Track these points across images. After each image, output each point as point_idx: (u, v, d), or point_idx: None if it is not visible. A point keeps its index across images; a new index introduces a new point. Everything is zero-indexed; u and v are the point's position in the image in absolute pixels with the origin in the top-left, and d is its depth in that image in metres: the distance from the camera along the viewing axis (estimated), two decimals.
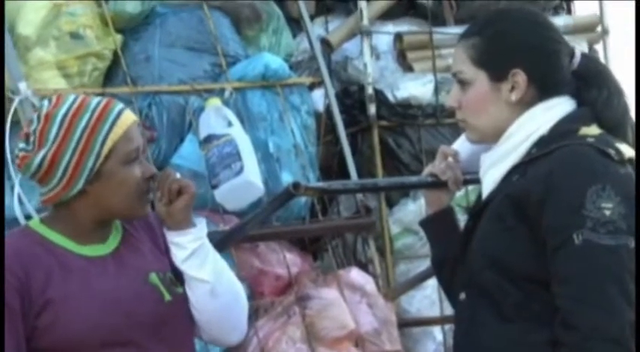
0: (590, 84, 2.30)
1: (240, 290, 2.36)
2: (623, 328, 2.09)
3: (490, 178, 2.30)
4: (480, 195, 2.37)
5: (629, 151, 2.21)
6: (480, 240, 2.26)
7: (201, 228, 2.30)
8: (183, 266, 2.28)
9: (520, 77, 2.26)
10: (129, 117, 2.26)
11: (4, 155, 3.54)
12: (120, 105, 2.27)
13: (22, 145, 2.26)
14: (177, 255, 2.28)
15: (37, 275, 2.19)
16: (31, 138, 2.23)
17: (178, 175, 2.28)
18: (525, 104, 2.28)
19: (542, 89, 2.28)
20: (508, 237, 2.21)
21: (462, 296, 2.29)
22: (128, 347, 2.21)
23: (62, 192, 2.23)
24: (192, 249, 2.27)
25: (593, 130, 2.24)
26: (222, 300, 2.30)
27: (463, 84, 2.31)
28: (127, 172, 2.24)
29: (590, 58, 2.38)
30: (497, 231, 2.23)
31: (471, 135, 2.35)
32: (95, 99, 2.27)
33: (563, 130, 2.24)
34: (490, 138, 2.31)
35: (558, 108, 2.27)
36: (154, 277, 2.28)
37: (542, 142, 2.24)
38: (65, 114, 2.22)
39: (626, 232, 2.12)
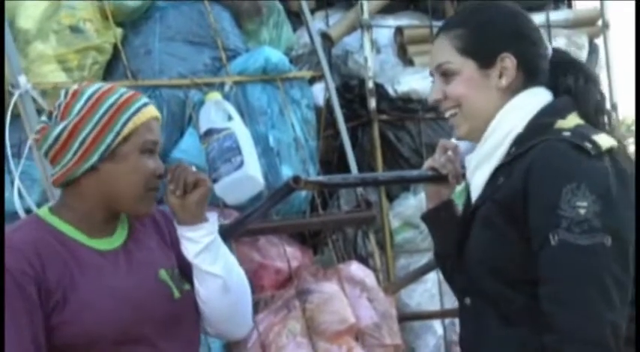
0: (566, 72, 2.30)
1: (247, 285, 2.35)
2: (601, 329, 2.06)
3: (477, 181, 2.29)
4: (468, 198, 2.36)
5: (607, 141, 2.18)
6: (474, 249, 2.25)
7: (213, 222, 2.29)
8: (196, 261, 2.27)
9: (509, 61, 2.26)
10: (153, 110, 2.28)
11: (4, 151, 3.54)
12: (146, 100, 2.28)
13: (43, 118, 2.26)
14: (190, 250, 2.27)
15: (53, 266, 2.17)
16: (55, 113, 2.25)
17: (194, 168, 2.27)
18: (512, 91, 2.27)
19: (528, 75, 2.28)
20: (500, 242, 2.19)
21: (467, 301, 2.28)
22: (139, 344, 2.20)
23: (74, 166, 2.22)
24: (205, 244, 2.26)
25: (569, 122, 2.22)
26: (232, 295, 2.30)
27: (447, 75, 2.30)
28: (141, 161, 2.24)
29: (561, 51, 2.39)
30: (489, 238, 2.21)
31: (460, 129, 2.32)
32: (124, 88, 2.29)
33: (539, 125, 2.23)
34: (479, 131, 2.30)
35: (538, 99, 2.27)
36: (163, 273, 2.27)
37: (520, 140, 2.23)
38: (94, 92, 2.25)
39: (601, 230, 2.09)
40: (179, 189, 2.24)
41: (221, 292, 2.28)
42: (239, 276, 2.33)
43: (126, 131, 2.22)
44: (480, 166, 2.28)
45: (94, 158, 2.22)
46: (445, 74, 2.30)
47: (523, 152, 2.19)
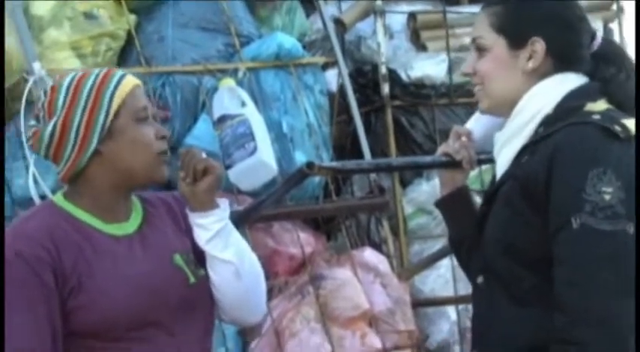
0: (610, 64, 2.29)
1: (260, 271, 2.36)
2: (614, 314, 2.06)
3: (503, 158, 2.30)
4: (494, 177, 2.36)
5: (635, 127, 2.18)
6: (492, 226, 2.25)
7: (224, 208, 2.28)
8: (207, 247, 2.27)
9: (539, 45, 2.26)
10: (132, 79, 2.27)
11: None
12: (122, 71, 2.28)
13: (32, 123, 2.27)
14: (201, 236, 2.27)
15: (68, 252, 2.17)
16: (41, 114, 2.25)
17: (204, 155, 2.26)
18: (540, 75, 2.27)
19: (559, 62, 2.27)
20: (519, 221, 2.19)
21: (480, 280, 2.29)
22: (155, 329, 2.20)
23: (77, 157, 2.22)
24: (215, 230, 2.26)
25: (599, 106, 2.22)
26: (245, 282, 2.30)
27: (480, 50, 2.30)
28: (139, 129, 2.24)
29: (610, 42, 2.37)
30: (508, 216, 2.22)
31: (482, 104, 2.33)
32: (97, 69, 2.29)
33: (568, 107, 2.23)
34: (501, 108, 2.30)
35: (568, 83, 2.27)
36: (178, 258, 2.27)
37: (548, 121, 2.23)
38: (70, 82, 2.24)
39: (625, 217, 2.09)
40: (189, 176, 2.24)
41: (233, 278, 2.28)
42: (251, 263, 2.33)
43: (114, 106, 2.22)
44: (507, 145, 2.28)
45: (94, 142, 2.22)
46: (478, 49, 2.31)
47: (550, 133, 2.19)
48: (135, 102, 2.25)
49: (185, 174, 2.25)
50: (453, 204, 2.46)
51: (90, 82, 2.23)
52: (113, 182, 2.25)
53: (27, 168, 3.24)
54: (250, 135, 4.17)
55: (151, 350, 2.20)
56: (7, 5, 4.17)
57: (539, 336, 2.15)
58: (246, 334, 4.23)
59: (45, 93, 2.26)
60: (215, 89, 4.31)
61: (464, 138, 2.47)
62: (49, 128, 2.22)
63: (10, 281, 2.13)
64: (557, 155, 2.14)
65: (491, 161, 2.42)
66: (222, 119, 4.21)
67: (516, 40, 2.27)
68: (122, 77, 2.26)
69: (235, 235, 2.30)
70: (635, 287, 2.10)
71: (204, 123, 4.32)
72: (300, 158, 4.35)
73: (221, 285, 2.29)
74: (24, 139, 2.45)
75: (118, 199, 2.27)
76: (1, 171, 4.38)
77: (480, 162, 2.52)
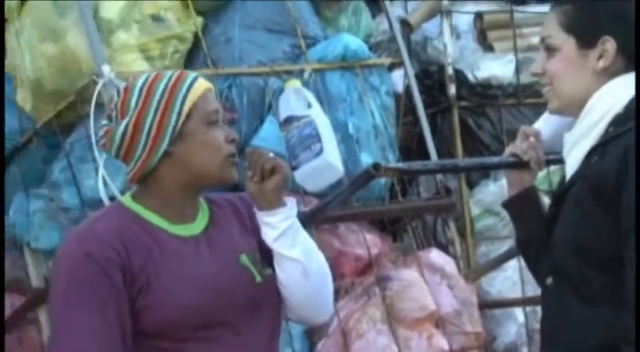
0: None
1: (328, 271, 2.36)
2: None
3: (573, 159, 2.28)
4: (563, 178, 2.34)
5: None
6: (562, 228, 2.24)
7: (291, 207, 2.29)
8: (275, 245, 2.28)
9: (610, 44, 2.23)
10: (204, 83, 2.29)
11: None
12: (194, 74, 2.30)
13: (104, 122, 2.29)
14: (269, 234, 2.28)
15: (137, 253, 2.19)
16: (113, 113, 2.27)
17: (272, 154, 2.28)
18: (610, 74, 2.25)
19: (629, 61, 2.25)
20: (589, 222, 2.18)
21: (549, 281, 2.27)
22: (222, 329, 2.21)
23: (148, 158, 2.24)
24: (282, 229, 2.27)
25: None
26: (313, 281, 2.30)
27: (550, 50, 2.29)
28: (210, 133, 2.25)
29: None
30: (578, 217, 2.20)
31: (551, 104, 2.32)
32: (169, 71, 2.32)
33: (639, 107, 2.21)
34: (570, 108, 2.28)
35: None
36: (244, 258, 2.28)
37: (618, 120, 2.21)
38: (143, 84, 2.26)
39: None
40: (256, 175, 2.26)
41: (300, 277, 2.28)
42: (319, 262, 2.33)
43: (186, 108, 2.24)
44: (576, 145, 2.26)
45: (165, 143, 2.23)
46: (548, 48, 2.29)
47: (621, 133, 2.17)
48: (206, 106, 2.26)
49: (253, 173, 2.26)
50: (520, 205, 2.44)
51: (163, 84, 2.26)
52: (182, 183, 2.27)
53: (96, 170, 3.29)
54: (316, 137, 4.18)
55: (219, 350, 2.21)
56: (76, 6, 4.22)
57: (610, 336, 2.13)
58: (313, 334, 4.24)
59: (118, 93, 2.28)
60: (281, 90, 4.33)
61: (532, 139, 2.45)
62: (121, 128, 2.25)
63: (80, 282, 2.16)
64: (630, 155, 2.12)
65: (559, 161, 2.40)
66: (289, 120, 4.22)
67: (586, 40, 2.25)
68: (194, 80, 2.28)
69: (303, 234, 2.31)
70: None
71: (270, 125, 4.34)
72: (366, 159, 4.35)
73: (288, 284, 2.29)
74: (93, 141, 2.47)
75: (186, 200, 2.29)
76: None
77: (549, 163, 2.50)
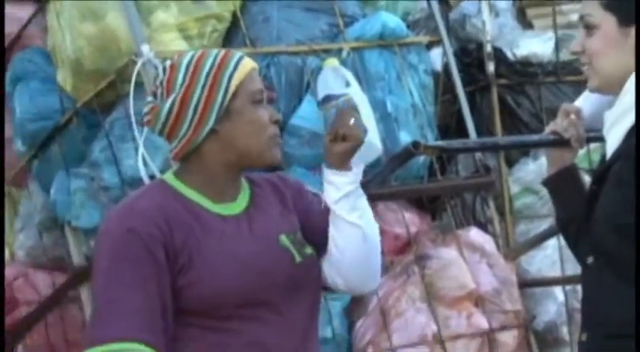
0: None
1: (379, 241, 2.36)
2: None
3: (613, 137, 2.26)
4: (604, 156, 2.33)
5: None
6: (602, 206, 2.22)
7: (357, 173, 2.30)
8: (335, 207, 2.28)
9: None
10: (249, 62, 2.30)
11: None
12: (240, 53, 2.31)
13: (149, 99, 2.30)
14: (331, 195, 2.29)
15: (179, 230, 2.20)
16: (159, 91, 2.28)
17: (353, 121, 2.26)
18: None
19: None
20: (630, 201, 2.16)
21: (590, 260, 2.26)
22: (263, 308, 2.22)
23: (194, 135, 2.24)
24: (346, 192, 2.27)
25: None
26: (368, 245, 2.30)
27: (589, 28, 2.27)
28: (255, 112, 2.26)
29: None
30: (618, 196, 2.19)
31: (591, 82, 2.31)
32: (215, 49, 2.33)
33: None
34: (610, 86, 2.26)
35: None
36: (284, 239, 2.29)
37: None
38: (190, 61, 2.27)
39: None
40: (330, 135, 2.27)
41: (358, 241, 2.29)
42: (374, 230, 2.34)
43: (233, 87, 2.24)
44: (616, 124, 2.25)
45: (211, 121, 2.24)
46: (587, 26, 2.27)
47: None
48: (252, 85, 2.27)
49: (329, 130, 2.27)
50: (561, 183, 2.43)
51: (209, 62, 2.26)
52: (226, 161, 2.27)
53: (136, 149, 3.31)
54: None
55: (261, 329, 2.22)
56: None
57: None
58: (352, 313, 4.25)
59: (164, 70, 2.29)
60: (319, 69, 4.33)
61: (573, 116, 2.43)
62: (167, 105, 2.25)
63: (122, 259, 2.17)
64: None
65: (600, 139, 2.38)
66: (327, 99, 4.22)
67: (626, 18, 2.23)
68: (240, 59, 2.28)
69: (363, 201, 2.31)
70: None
71: (308, 104, 4.34)
72: (404, 138, 4.35)
73: (346, 247, 2.29)
74: (133, 120, 2.48)
75: (229, 179, 2.29)
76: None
77: (589, 141, 2.48)
